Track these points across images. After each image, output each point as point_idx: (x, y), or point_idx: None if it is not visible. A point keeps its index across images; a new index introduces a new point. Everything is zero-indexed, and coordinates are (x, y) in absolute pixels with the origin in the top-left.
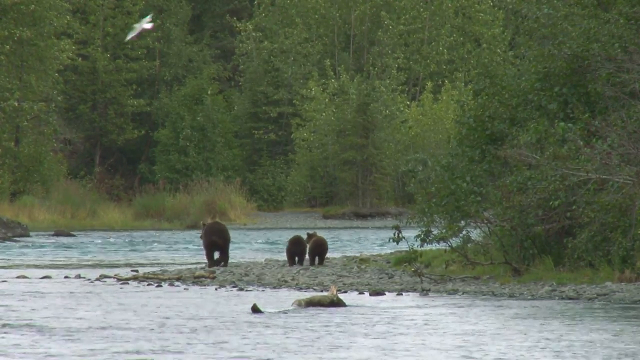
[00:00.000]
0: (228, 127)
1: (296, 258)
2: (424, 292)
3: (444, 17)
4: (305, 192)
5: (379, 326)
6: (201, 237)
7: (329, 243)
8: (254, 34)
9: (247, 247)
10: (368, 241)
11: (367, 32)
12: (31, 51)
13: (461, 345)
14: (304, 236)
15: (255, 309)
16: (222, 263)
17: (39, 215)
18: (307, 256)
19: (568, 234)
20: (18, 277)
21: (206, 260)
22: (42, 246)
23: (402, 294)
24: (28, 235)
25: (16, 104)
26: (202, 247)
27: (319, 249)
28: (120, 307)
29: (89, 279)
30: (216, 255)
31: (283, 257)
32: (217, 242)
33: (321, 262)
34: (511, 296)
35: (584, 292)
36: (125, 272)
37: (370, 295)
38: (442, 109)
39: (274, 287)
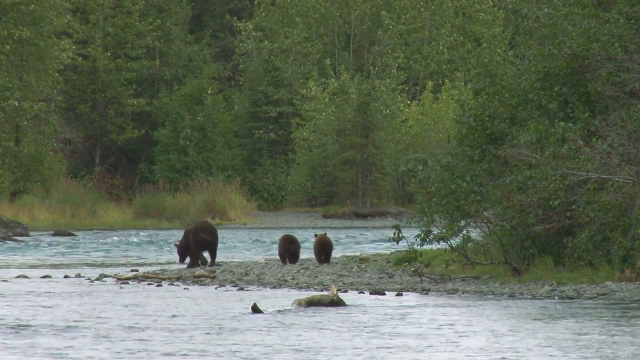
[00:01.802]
0: (228, 126)
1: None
2: (424, 291)
3: (444, 17)
4: (306, 191)
5: (380, 326)
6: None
7: None
8: (254, 33)
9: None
10: (368, 241)
11: (367, 32)
12: (31, 51)
13: (462, 344)
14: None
15: (255, 309)
16: (210, 261)
17: (39, 214)
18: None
19: (568, 234)
20: (18, 277)
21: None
22: (42, 246)
23: (402, 294)
24: (28, 235)
25: (16, 103)
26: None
27: (326, 247)
28: (119, 307)
29: (88, 279)
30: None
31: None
32: (206, 239)
33: (327, 260)
34: (511, 296)
35: (584, 291)
36: (125, 272)
37: (371, 294)
38: (442, 108)
39: (274, 287)
